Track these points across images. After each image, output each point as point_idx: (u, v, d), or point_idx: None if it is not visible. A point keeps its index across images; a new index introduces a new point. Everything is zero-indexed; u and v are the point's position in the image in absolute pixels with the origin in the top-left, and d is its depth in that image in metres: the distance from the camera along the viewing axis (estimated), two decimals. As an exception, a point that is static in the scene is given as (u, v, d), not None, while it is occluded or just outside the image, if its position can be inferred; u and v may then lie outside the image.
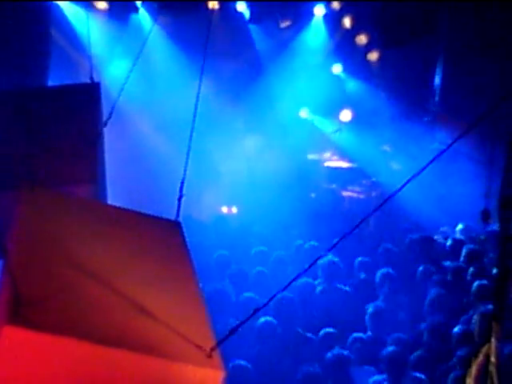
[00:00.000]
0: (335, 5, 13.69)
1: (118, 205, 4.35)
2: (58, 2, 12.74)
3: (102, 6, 13.08)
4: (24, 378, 2.70)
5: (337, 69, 14.58)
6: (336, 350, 6.92)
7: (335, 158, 14.79)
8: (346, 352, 6.96)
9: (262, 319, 7.04)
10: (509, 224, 2.71)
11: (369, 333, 7.63)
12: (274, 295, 3.16)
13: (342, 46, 14.28)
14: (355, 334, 7.42)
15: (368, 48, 14.15)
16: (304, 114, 14.85)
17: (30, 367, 2.68)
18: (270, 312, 7.16)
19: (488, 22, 11.94)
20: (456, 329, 7.39)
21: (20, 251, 3.13)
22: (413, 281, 8.80)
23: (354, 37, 14.12)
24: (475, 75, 12.27)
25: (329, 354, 6.85)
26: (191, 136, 4.35)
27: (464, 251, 9.47)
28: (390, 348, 7.03)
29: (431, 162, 2.94)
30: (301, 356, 7.07)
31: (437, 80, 13.66)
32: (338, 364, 6.79)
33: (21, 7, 10.63)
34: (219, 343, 3.00)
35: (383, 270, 8.70)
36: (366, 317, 7.75)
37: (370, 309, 7.81)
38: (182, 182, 4.21)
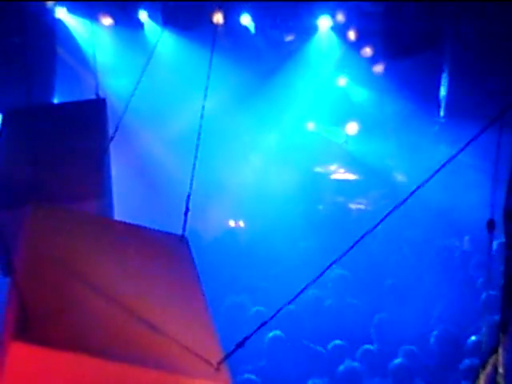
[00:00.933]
0: (340, 18, 13.71)
1: (124, 220, 4.35)
2: (64, 19, 12.83)
3: (107, 21, 13.16)
4: (32, 394, 2.70)
5: (343, 81, 14.61)
6: (347, 363, 6.89)
7: (342, 170, 14.79)
8: (357, 364, 6.93)
9: (271, 334, 7.01)
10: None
11: (375, 344, 7.61)
12: (280, 308, 3.15)
13: (348, 58, 14.29)
14: (364, 346, 7.40)
15: (373, 60, 14.16)
16: (310, 126, 14.88)
17: (38, 383, 2.68)
18: (278, 325, 7.14)
19: (492, 34, 11.96)
20: (465, 339, 7.38)
21: (27, 267, 3.14)
22: (421, 291, 8.78)
23: (359, 49, 14.13)
24: (481, 86, 12.27)
25: (341, 367, 6.82)
26: (197, 150, 4.34)
27: (473, 262, 9.46)
28: (399, 359, 7.00)
29: (435, 173, 2.94)
30: (310, 369, 7.05)
31: (442, 91, 13.66)
32: (349, 377, 6.76)
33: (27, 24, 10.71)
34: (227, 357, 2.99)
35: (389, 281, 8.70)
36: (372, 328, 7.74)
37: (375, 320, 7.80)
38: (188, 197, 4.20)
